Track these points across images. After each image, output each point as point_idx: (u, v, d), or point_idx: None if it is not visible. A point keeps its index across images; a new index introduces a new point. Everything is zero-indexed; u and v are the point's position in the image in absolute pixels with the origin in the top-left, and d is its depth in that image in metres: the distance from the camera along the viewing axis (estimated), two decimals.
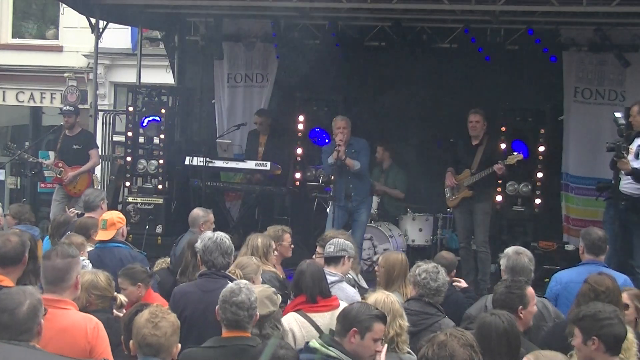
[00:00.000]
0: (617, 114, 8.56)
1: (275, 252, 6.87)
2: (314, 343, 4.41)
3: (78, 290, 4.55)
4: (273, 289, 5.21)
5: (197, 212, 8.22)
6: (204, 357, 4.45)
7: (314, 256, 6.87)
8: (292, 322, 5.27)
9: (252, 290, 4.59)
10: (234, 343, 4.44)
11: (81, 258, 6.03)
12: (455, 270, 7.36)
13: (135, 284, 5.81)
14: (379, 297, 4.99)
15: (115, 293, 5.47)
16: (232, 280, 5.19)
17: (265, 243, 6.69)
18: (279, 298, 5.22)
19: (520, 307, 4.99)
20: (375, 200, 10.82)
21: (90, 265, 6.09)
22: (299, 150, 11.33)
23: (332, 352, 4.32)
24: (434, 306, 5.53)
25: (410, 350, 4.94)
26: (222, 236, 5.64)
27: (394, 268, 6.30)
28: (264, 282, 6.01)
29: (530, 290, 5.16)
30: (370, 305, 4.60)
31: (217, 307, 4.56)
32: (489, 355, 4.18)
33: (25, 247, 5.00)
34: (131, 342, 3.98)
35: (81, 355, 4.23)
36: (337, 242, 6.37)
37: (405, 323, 4.92)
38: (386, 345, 4.55)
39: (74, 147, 10.98)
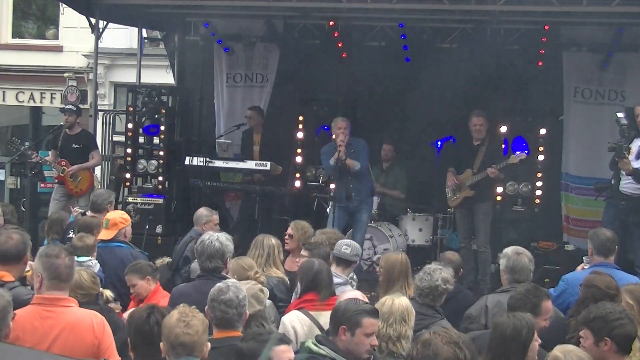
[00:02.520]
0: (619, 115, 8.57)
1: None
2: (309, 343, 4.41)
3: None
4: (260, 287, 5.22)
5: (202, 211, 8.18)
6: None
7: (297, 259, 6.73)
8: (295, 320, 5.26)
9: (240, 288, 4.58)
10: (226, 344, 4.40)
11: (88, 258, 6.10)
12: (461, 271, 7.36)
13: (144, 277, 5.96)
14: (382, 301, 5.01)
15: (102, 289, 5.48)
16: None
17: (278, 244, 6.68)
18: (267, 294, 5.24)
19: (528, 313, 4.95)
20: (375, 200, 10.82)
21: (99, 265, 6.12)
22: (298, 159, 11.35)
23: (323, 350, 4.32)
24: (431, 307, 5.51)
25: None
26: (214, 239, 5.59)
27: (393, 268, 6.26)
28: (272, 286, 6.08)
29: (547, 304, 5.09)
30: (359, 301, 4.58)
31: (206, 307, 4.53)
32: (494, 353, 4.20)
33: (27, 245, 5.00)
34: (161, 343, 3.94)
35: (89, 351, 4.23)
36: (354, 245, 6.36)
37: (402, 328, 4.86)
38: None
39: (74, 146, 10.98)
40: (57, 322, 4.23)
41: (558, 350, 3.99)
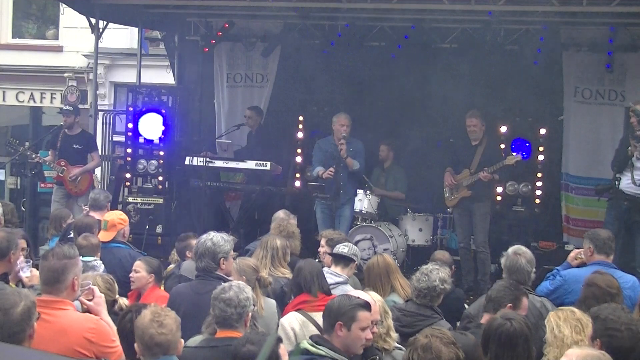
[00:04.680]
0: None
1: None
2: (305, 344, 4.40)
3: (76, 292, 4.50)
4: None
5: (279, 213, 8.07)
6: (195, 357, 4.42)
7: (320, 250, 6.95)
8: (294, 321, 5.26)
9: (243, 289, 4.58)
10: (225, 343, 4.41)
11: (93, 258, 6.09)
12: (453, 268, 7.39)
13: (149, 272, 6.03)
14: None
15: (117, 296, 5.45)
16: (225, 281, 5.18)
17: (283, 245, 6.68)
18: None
19: (510, 305, 5.00)
20: (375, 200, 10.82)
21: (103, 266, 6.11)
22: (298, 159, 11.38)
23: (321, 350, 4.31)
24: (430, 308, 5.53)
25: (401, 346, 4.95)
26: (208, 238, 5.57)
27: (370, 271, 6.42)
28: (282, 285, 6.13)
29: (525, 301, 5.16)
30: (351, 296, 4.60)
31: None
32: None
33: (11, 243, 5.00)
34: (135, 344, 3.94)
35: (85, 355, 4.22)
36: (352, 246, 6.51)
37: (379, 329, 4.88)
38: None
39: (74, 146, 11.00)
40: (50, 325, 4.21)
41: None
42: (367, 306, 4.48)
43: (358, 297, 4.59)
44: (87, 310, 4.61)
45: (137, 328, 3.96)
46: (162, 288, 6.34)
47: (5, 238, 5.01)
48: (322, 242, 7.11)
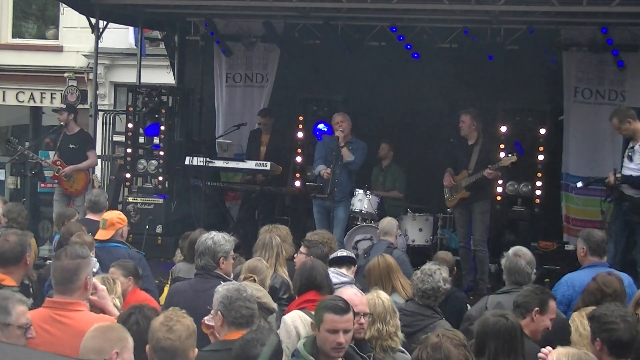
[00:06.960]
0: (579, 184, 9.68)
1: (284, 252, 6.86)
2: (302, 340, 4.46)
3: (88, 292, 4.42)
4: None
5: (390, 220, 8.51)
6: None
7: (295, 255, 6.83)
8: (297, 320, 5.22)
9: (247, 287, 4.57)
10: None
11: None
12: (455, 270, 7.38)
13: (126, 275, 5.88)
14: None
15: (113, 295, 5.40)
16: (224, 280, 5.18)
17: (278, 242, 6.67)
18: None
19: (537, 309, 4.96)
20: (375, 200, 10.82)
21: (98, 264, 6.09)
22: (299, 159, 11.37)
23: (298, 346, 4.36)
24: (430, 308, 5.53)
25: (404, 349, 4.95)
26: (209, 237, 5.57)
27: (371, 272, 6.43)
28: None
29: (553, 304, 5.11)
30: (335, 298, 4.53)
31: (219, 310, 4.37)
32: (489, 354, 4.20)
33: (25, 246, 4.94)
34: (147, 346, 3.89)
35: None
36: (348, 252, 6.54)
37: (388, 327, 4.91)
38: None
39: (71, 146, 10.99)
40: (67, 327, 4.14)
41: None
42: (337, 310, 4.29)
43: (341, 299, 4.45)
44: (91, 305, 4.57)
45: (150, 330, 3.87)
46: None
47: (17, 243, 4.94)
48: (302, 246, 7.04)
